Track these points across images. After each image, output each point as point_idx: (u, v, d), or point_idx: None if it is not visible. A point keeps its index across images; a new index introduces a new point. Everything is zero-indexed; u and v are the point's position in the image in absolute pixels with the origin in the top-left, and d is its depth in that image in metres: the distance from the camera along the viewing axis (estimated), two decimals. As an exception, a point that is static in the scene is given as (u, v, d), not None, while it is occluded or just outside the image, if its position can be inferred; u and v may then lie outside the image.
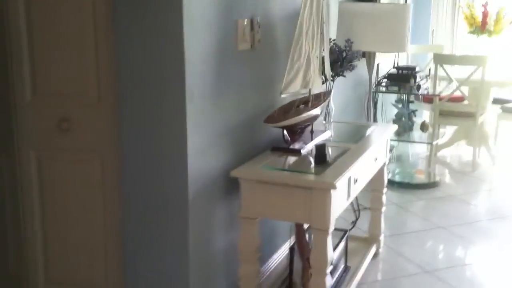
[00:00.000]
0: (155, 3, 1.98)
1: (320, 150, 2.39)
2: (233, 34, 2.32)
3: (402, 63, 5.70)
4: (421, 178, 4.80)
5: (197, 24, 2.04)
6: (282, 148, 2.61)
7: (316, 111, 2.68)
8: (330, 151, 2.64)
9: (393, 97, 4.58)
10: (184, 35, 1.96)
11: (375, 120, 4.66)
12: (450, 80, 4.90)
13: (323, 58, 2.82)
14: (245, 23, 2.40)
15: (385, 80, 4.36)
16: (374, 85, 4.41)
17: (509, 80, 5.13)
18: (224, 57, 2.27)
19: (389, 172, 4.76)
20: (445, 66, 4.80)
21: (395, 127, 3.24)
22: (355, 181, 2.52)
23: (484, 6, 5.39)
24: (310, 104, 2.65)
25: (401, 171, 4.89)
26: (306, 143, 2.70)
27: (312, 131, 2.91)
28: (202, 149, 2.17)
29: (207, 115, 2.19)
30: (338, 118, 3.87)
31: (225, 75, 2.29)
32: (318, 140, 2.82)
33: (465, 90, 5.45)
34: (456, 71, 5.16)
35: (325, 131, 2.98)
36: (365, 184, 2.77)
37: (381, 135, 3.03)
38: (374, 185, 3.25)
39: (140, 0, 2.01)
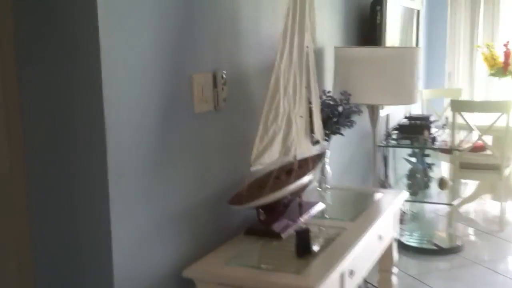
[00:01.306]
0: (65, 53, 1.52)
1: (302, 238, 1.86)
2: (187, 93, 1.84)
3: (416, 110, 5.19)
4: (441, 241, 4.21)
5: (126, 81, 1.56)
6: (259, 231, 2.09)
7: (303, 181, 2.16)
8: (319, 234, 2.11)
9: (406, 150, 4.05)
10: (105, 97, 1.48)
11: (386, 177, 4.12)
12: (470, 129, 4.35)
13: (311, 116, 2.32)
14: (205, 79, 1.92)
15: (396, 132, 3.84)
16: (384, 139, 3.88)
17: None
18: (175, 122, 1.78)
19: (403, 235, 4.18)
20: (464, 113, 4.27)
21: (405, 194, 2.69)
22: (351, 274, 1.98)
23: (506, 45, 4.87)
24: (293, 174, 2.13)
25: (418, 233, 4.30)
26: (293, 221, 2.17)
27: (300, 205, 2.38)
28: (139, 241, 1.65)
29: (148, 196, 1.68)
30: (340, 180, 3.35)
31: (176, 144, 1.80)
32: (308, 216, 2.29)
33: (488, 139, 4.90)
34: (477, 118, 4.62)
35: (317, 203, 2.45)
36: (366, 272, 2.22)
37: (388, 206, 2.49)
38: (382, 264, 2.68)
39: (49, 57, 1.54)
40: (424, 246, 4.11)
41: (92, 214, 1.56)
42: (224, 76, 2.00)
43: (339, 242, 2.02)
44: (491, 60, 4.86)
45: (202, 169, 1.94)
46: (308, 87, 2.20)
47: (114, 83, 1.51)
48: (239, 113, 2.14)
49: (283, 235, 2.05)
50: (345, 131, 2.72)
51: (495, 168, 4.35)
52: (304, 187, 2.25)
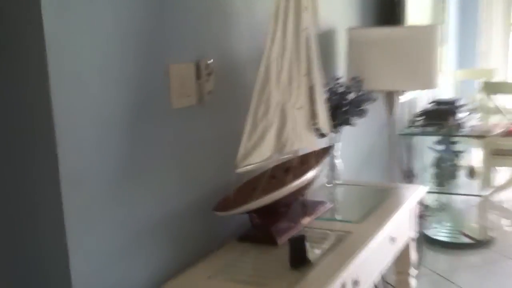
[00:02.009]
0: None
1: (296, 246, 1.64)
2: (164, 86, 1.63)
3: (447, 93, 4.87)
4: (472, 233, 3.92)
5: (83, 75, 1.37)
6: (253, 237, 1.89)
7: (303, 179, 1.94)
8: (321, 240, 1.89)
9: (432, 137, 3.76)
10: (52, 93, 1.28)
11: (410, 167, 3.84)
12: (503, 113, 4.03)
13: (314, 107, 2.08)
14: (186, 69, 1.71)
15: (420, 118, 3.55)
16: (408, 126, 3.60)
17: None
18: (148, 120, 1.58)
19: (430, 228, 3.91)
20: (497, 96, 3.95)
21: (425, 189, 2.44)
22: (355, 284, 1.76)
23: (543, 21, 4.49)
24: (290, 172, 1.91)
25: (446, 226, 4.02)
26: (293, 224, 1.96)
27: (304, 205, 2.16)
28: (106, 256, 1.47)
29: (116, 204, 1.49)
30: (357, 174, 3.11)
31: (151, 144, 1.60)
32: (312, 217, 2.07)
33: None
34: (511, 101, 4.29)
35: (324, 202, 2.22)
36: (376, 279, 2.00)
37: (403, 203, 2.25)
38: (398, 266, 2.45)
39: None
40: (453, 240, 3.83)
41: (45, 227, 1.37)
42: (209, 65, 1.79)
43: (342, 249, 1.80)
44: (526, 38, 4.49)
45: (184, 172, 1.74)
46: (308, 74, 1.96)
47: (66, 77, 1.32)
48: (228, 107, 1.93)
49: (280, 241, 1.84)
50: (359, 120, 2.47)
51: (531, 155, 4.02)
52: (306, 186, 2.02)
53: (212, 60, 1.79)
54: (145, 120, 1.56)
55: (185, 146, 1.73)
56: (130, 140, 1.52)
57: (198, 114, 1.78)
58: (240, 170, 1.68)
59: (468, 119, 3.63)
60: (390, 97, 2.86)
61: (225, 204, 1.73)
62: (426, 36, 2.57)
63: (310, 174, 2.00)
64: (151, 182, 1.61)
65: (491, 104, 3.94)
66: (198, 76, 1.75)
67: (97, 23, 1.40)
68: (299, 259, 1.65)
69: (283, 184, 1.86)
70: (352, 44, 2.66)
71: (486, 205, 4.21)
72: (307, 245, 1.68)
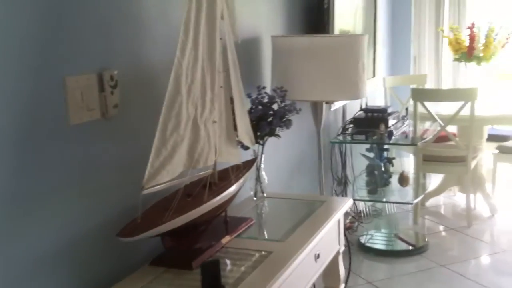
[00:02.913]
0: None
1: (209, 272, 1.52)
2: (59, 101, 1.48)
3: (378, 99, 4.89)
4: (407, 238, 3.93)
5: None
6: (166, 261, 1.76)
7: (221, 196, 1.83)
8: (238, 263, 1.78)
9: (363, 145, 3.74)
10: None
11: (343, 175, 3.81)
12: (433, 119, 4.06)
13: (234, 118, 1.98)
14: (86, 81, 1.56)
15: (351, 126, 3.51)
16: (339, 133, 3.56)
17: (506, 115, 4.28)
18: (39, 140, 1.42)
19: (364, 235, 3.89)
20: (428, 103, 3.97)
21: (350, 202, 2.37)
22: (274, 308, 1.66)
23: (471, 28, 4.56)
24: (207, 190, 1.79)
25: (381, 233, 4.01)
26: (211, 245, 1.84)
27: (226, 222, 2.06)
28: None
29: (3, 240, 1.33)
30: (288, 185, 3.03)
31: (43, 166, 1.44)
32: (233, 235, 1.96)
33: (453, 129, 4.62)
34: (443, 107, 4.33)
35: (246, 219, 2.12)
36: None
37: (331, 216, 2.17)
38: (327, 282, 2.38)
39: None
40: (388, 247, 3.82)
41: None
42: (114, 76, 1.65)
43: (262, 271, 1.69)
44: (455, 45, 4.56)
45: (86, 194, 1.59)
46: (224, 86, 1.85)
47: None
48: (138, 122, 1.79)
49: (195, 264, 1.71)
50: (285, 131, 2.38)
51: (461, 160, 4.07)
52: (226, 202, 1.92)
53: (116, 71, 1.66)
54: (35, 138, 1.41)
55: (87, 165, 1.59)
56: (18, 163, 1.36)
57: (102, 129, 1.63)
58: (147, 191, 1.55)
59: (399, 126, 3.62)
60: (317, 106, 2.79)
61: (132, 227, 1.59)
62: (352, 46, 2.52)
63: (230, 190, 1.90)
64: (47, 208, 1.46)
65: (421, 111, 3.96)
66: (102, 88, 1.61)
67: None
68: (212, 286, 1.53)
69: (199, 202, 1.75)
70: (277, 52, 2.58)
71: (417, 212, 4.24)
72: (224, 269, 1.57)
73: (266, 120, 2.30)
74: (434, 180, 4.69)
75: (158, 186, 1.60)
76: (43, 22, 1.42)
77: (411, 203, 3.88)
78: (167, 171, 1.59)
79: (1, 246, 1.33)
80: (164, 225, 1.58)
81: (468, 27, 4.60)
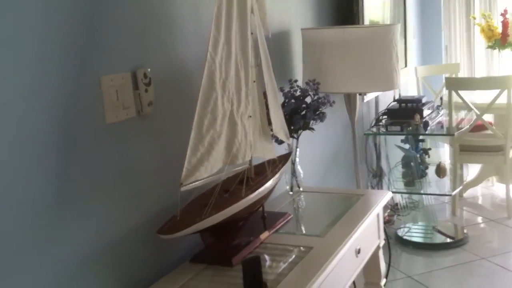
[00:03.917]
0: None
1: (250, 269, 1.51)
2: (96, 100, 1.48)
3: (411, 90, 4.80)
4: (446, 230, 3.84)
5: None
6: (206, 257, 1.75)
7: (259, 192, 1.81)
8: (279, 258, 1.76)
9: (398, 136, 3.67)
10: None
11: (378, 167, 3.75)
12: (468, 108, 3.97)
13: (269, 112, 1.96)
14: (121, 80, 1.56)
15: (385, 117, 3.46)
16: (373, 125, 3.51)
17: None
18: (77, 138, 1.43)
19: (402, 227, 3.82)
20: (463, 92, 3.88)
21: (389, 195, 2.33)
22: (317, 304, 1.63)
23: (504, 14, 4.44)
24: (244, 186, 1.77)
25: (418, 226, 3.94)
26: (250, 241, 1.83)
27: (264, 218, 2.04)
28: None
29: (44, 242, 1.34)
30: (323, 179, 3.00)
31: (82, 166, 1.45)
32: (272, 231, 1.94)
33: (490, 118, 4.51)
34: (478, 95, 4.23)
35: (284, 214, 2.10)
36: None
37: (369, 211, 2.13)
38: (368, 277, 2.34)
39: None
40: (426, 240, 3.75)
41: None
42: (148, 74, 1.64)
43: (303, 267, 1.67)
44: (488, 32, 4.45)
45: (125, 193, 1.59)
46: (257, 80, 1.83)
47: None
48: (173, 119, 1.79)
49: (235, 261, 1.70)
50: (319, 124, 2.35)
51: (499, 150, 3.97)
52: (263, 198, 1.90)
53: (150, 69, 1.65)
54: (73, 139, 1.41)
55: (124, 164, 1.59)
56: (56, 164, 1.37)
57: (138, 127, 1.63)
58: (185, 187, 1.54)
59: (434, 116, 3.55)
60: (351, 98, 2.75)
61: (171, 225, 1.58)
62: (385, 36, 2.47)
63: (266, 185, 1.88)
64: (86, 209, 1.46)
65: (456, 100, 3.87)
66: (136, 86, 1.61)
67: (15, 31, 1.25)
68: (254, 283, 1.51)
69: (237, 198, 1.73)
70: (307, 45, 2.55)
71: (456, 203, 4.16)
72: (264, 265, 1.55)
73: (300, 114, 2.27)
74: (471, 170, 4.59)
75: (196, 183, 1.58)
76: (77, 24, 1.42)
77: (449, 195, 3.80)
78: (205, 167, 1.58)
79: (43, 249, 1.34)
80: (203, 222, 1.57)
81: (501, 14, 4.48)
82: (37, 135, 1.31)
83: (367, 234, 2.09)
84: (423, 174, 3.66)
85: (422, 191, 3.68)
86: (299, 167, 2.37)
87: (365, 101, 3.54)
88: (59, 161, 1.37)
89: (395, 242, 3.69)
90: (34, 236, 1.31)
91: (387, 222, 3.83)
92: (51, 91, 1.35)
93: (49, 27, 1.34)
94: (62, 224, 1.39)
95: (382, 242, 2.30)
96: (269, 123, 1.97)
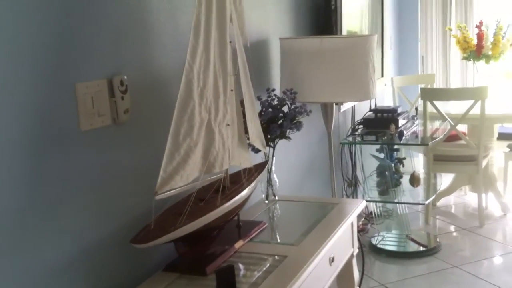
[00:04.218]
0: None
1: (224, 278, 1.51)
2: (70, 108, 1.47)
3: (386, 100, 4.86)
4: (419, 239, 3.89)
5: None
6: (180, 266, 1.74)
7: (234, 200, 1.82)
8: (253, 267, 1.76)
9: (373, 145, 3.71)
10: None
11: (353, 176, 3.79)
12: (443, 119, 4.03)
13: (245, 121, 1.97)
14: (97, 87, 1.55)
15: (361, 126, 3.49)
16: (349, 134, 3.54)
17: (516, 113, 4.24)
18: (51, 145, 1.41)
19: (376, 236, 3.86)
20: (437, 102, 3.94)
21: (363, 203, 2.35)
22: (290, 313, 1.64)
23: (479, 26, 4.53)
24: (220, 195, 1.78)
25: (392, 234, 3.98)
26: (224, 250, 1.83)
27: (239, 226, 2.04)
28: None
29: (15, 249, 1.32)
30: (299, 188, 3.02)
31: (55, 174, 1.43)
32: (246, 240, 1.94)
33: (464, 128, 4.59)
34: (452, 106, 4.31)
35: (259, 223, 2.10)
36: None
37: (344, 219, 2.15)
38: (342, 285, 2.36)
39: None
40: (400, 248, 3.79)
41: None
42: (124, 82, 1.64)
43: (276, 277, 1.67)
44: (463, 43, 4.53)
45: (100, 201, 1.58)
46: (235, 89, 1.84)
47: None
48: (149, 126, 1.78)
49: (209, 270, 1.70)
50: (296, 133, 2.37)
51: (472, 159, 4.04)
52: (238, 206, 1.90)
53: (126, 77, 1.65)
54: (47, 146, 1.40)
55: (99, 171, 1.58)
56: (28, 170, 1.35)
57: (113, 135, 1.63)
58: (160, 196, 1.53)
59: (409, 126, 3.60)
60: (327, 107, 2.77)
61: (145, 234, 1.58)
62: (362, 46, 2.50)
63: (242, 194, 1.89)
64: (60, 216, 1.45)
65: (431, 110, 3.93)
66: (112, 94, 1.60)
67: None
68: (227, 291, 1.51)
69: (212, 207, 1.73)
70: (285, 54, 2.56)
71: (429, 212, 4.21)
72: (238, 274, 1.55)
73: (277, 123, 2.29)
74: (445, 179, 4.66)
75: (171, 192, 1.58)
76: (52, 29, 1.41)
77: (423, 204, 3.85)
78: (181, 176, 1.58)
79: (15, 255, 1.32)
80: (177, 231, 1.57)
81: (476, 26, 4.57)
82: (8, 140, 1.30)
83: (341, 242, 2.11)
84: (397, 183, 3.70)
85: (396, 200, 3.72)
86: (275, 176, 2.38)
87: (341, 110, 3.58)
88: (31, 168, 1.36)
89: (369, 251, 3.73)
90: (4, 242, 1.29)
91: (361, 230, 3.86)
92: (23, 96, 1.33)
93: (22, 30, 1.32)
94: (34, 230, 1.37)
95: (356, 251, 2.32)
96: (246, 131, 1.97)
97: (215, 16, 1.70)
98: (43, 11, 1.38)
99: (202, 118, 1.67)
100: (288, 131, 2.30)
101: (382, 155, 3.63)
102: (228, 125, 1.81)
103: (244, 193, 1.89)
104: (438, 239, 3.87)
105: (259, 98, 2.27)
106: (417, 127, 3.75)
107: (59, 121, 1.43)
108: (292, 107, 2.30)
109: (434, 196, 4.20)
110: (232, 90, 1.82)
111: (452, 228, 4.19)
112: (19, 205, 1.33)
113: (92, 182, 1.55)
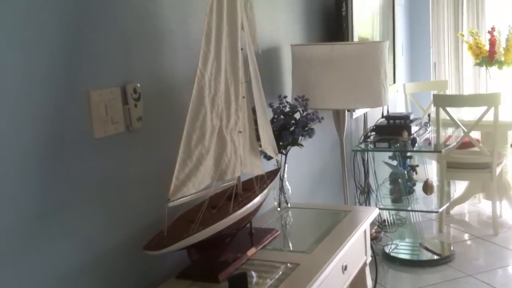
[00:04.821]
0: None
1: (237, 285, 1.50)
2: (84, 115, 1.48)
3: (400, 107, 4.84)
4: (433, 247, 3.85)
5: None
6: (193, 274, 1.74)
7: (246, 208, 1.81)
8: (266, 275, 1.75)
9: (386, 152, 3.69)
10: None
11: (366, 183, 3.77)
12: (456, 125, 4.00)
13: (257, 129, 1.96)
14: (110, 95, 1.56)
15: (373, 133, 3.47)
16: (361, 141, 3.53)
17: (530, 120, 4.20)
18: (64, 152, 1.42)
19: (389, 244, 3.83)
20: (450, 109, 3.91)
21: (376, 211, 2.33)
22: (304, 322, 1.63)
23: (491, 32, 4.50)
24: (232, 202, 1.77)
25: (405, 243, 3.95)
26: (237, 258, 1.82)
27: (251, 234, 2.03)
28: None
29: (27, 255, 1.32)
30: (311, 195, 3.00)
31: (69, 181, 1.44)
32: (259, 247, 1.93)
33: (477, 135, 4.55)
34: (465, 113, 4.28)
35: (271, 230, 2.09)
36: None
37: (357, 227, 2.13)
38: (354, 293, 2.33)
39: None
40: (413, 257, 3.75)
41: None
42: (137, 90, 1.64)
43: (288, 285, 1.66)
44: (475, 49, 4.50)
45: (112, 208, 1.58)
46: (246, 96, 1.84)
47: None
48: (162, 134, 1.78)
49: (221, 277, 1.69)
50: (308, 140, 2.36)
51: (486, 167, 4.00)
52: (251, 214, 1.89)
53: (139, 84, 1.65)
54: (61, 153, 1.41)
55: (112, 178, 1.58)
56: (40, 177, 1.36)
57: (127, 142, 1.63)
58: (173, 203, 1.53)
59: (422, 133, 3.58)
60: (339, 114, 2.76)
61: (158, 241, 1.57)
62: (374, 53, 2.49)
63: (254, 201, 1.88)
64: (71, 223, 1.45)
65: (443, 117, 3.90)
66: (125, 101, 1.61)
67: (1, 43, 1.25)
68: (240, 299, 1.51)
69: (224, 214, 1.73)
70: (297, 61, 2.56)
71: (442, 221, 4.17)
72: (251, 282, 1.54)
73: (289, 130, 2.28)
74: (458, 187, 4.62)
75: (184, 199, 1.58)
76: (66, 38, 1.42)
77: (436, 212, 3.82)
78: (193, 183, 1.58)
79: (25, 262, 1.32)
80: (190, 238, 1.57)
81: (488, 31, 4.54)
82: (21, 147, 1.30)
83: (354, 250, 2.09)
84: (410, 191, 3.67)
85: (409, 208, 3.69)
86: (287, 183, 2.37)
87: (353, 117, 3.56)
88: (44, 174, 1.36)
89: (382, 259, 3.70)
90: (15, 249, 1.29)
91: (374, 238, 3.83)
92: (37, 103, 1.34)
93: (37, 39, 1.33)
94: (45, 237, 1.37)
95: (369, 259, 2.30)
96: (258, 138, 1.97)
97: (226, 23, 1.70)
98: (56, 19, 1.39)
99: (213, 125, 1.66)
100: (300, 138, 2.29)
101: (395, 163, 3.61)
102: (240, 132, 1.81)
103: (257, 200, 1.88)
104: (452, 248, 3.83)
105: (271, 105, 2.26)
106: (430, 134, 3.73)
107: (73, 128, 1.44)
108: (304, 114, 2.29)
109: (447, 204, 4.17)
110: (244, 97, 1.82)
111: (466, 236, 4.14)
112: (31, 211, 1.33)
113: (105, 189, 1.55)
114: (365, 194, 3.78)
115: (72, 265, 1.45)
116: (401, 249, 3.82)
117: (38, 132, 1.34)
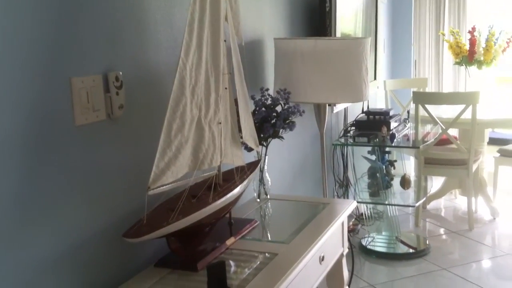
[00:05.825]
0: None
1: (215, 274, 1.52)
2: (65, 101, 1.48)
3: (379, 102, 4.89)
4: (409, 241, 3.92)
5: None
6: (171, 262, 1.75)
7: (226, 198, 1.83)
8: (244, 264, 1.78)
9: (365, 147, 3.73)
10: None
11: (345, 177, 3.81)
12: (434, 122, 4.06)
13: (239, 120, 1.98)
14: (92, 82, 1.56)
15: (353, 128, 3.52)
16: (341, 135, 3.57)
17: (507, 119, 4.29)
18: (44, 139, 1.42)
19: (366, 237, 3.88)
20: (429, 106, 3.97)
21: (354, 204, 2.37)
22: (280, 310, 1.66)
23: (471, 32, 4.57)
24: (212, 192, 1.79)
25: (382, 236, 4.00)
26: (215, 247, 1.84)
27: (230, 224, 2.05)
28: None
29: (6, 244, 1.33)
30: (291, 187, 3.03)
31: (48, 168, 1.44)
32: (238, 237, 1.96)
33: (455, 133, 4.62)
34: (444, 110, 4.34)
35: (251, 220, 2.12)
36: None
37: (334, 219, 2.17)
38: (331, 284, 2.37)
39: None
40: (390, 250, 3.81)
41: None
42: (119, 78, 1.65)
43: (266, 274, 1.69)
44: (456, 48, 4.57)
45: (93, 196, 1.59)
46: (229, 88, 1.85)
47: None
48: (143, 122, 1.79)
49: (200, 266, 1.71)
50: (289, 133, 2.39)
51: (463, 163, 4.07)
52: (230, 204, 1.92)
53: (122, 72, 1.66)
54: (41, 140, 1.41)
55: (92, 166, 1.59)
56: (23, 165, 1.36)
57: (108, 130, 1.64)
58: (153, 191, 1.54)
59: (401, 129, 3.63)
60: (320, 108, 2.79)
61: (137, 229, 1.59)
62: (356, 49, 2.52)
63: (234, 192, 1.90)
64: (52, 211, 1.45)
65: (422, 114, 3.96)
66: (106, 89, 1.61)
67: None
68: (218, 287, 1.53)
69: (204, 203, 1.74)
70: (279, 55, 2.58)
71: (419, 215, 4.24)
72: (229, 270, 1.56)
73: (270, 122, 2.30)
74: (435, 183, 4.69)
75: (164, 187, 1.60)
76: (48, 24, 1.42)
77: (413, 206, 3.88)
78: (172, 172, 1.59)
79: (6, 250, 1.33)
80: (169, 227, 1.58)
81: (469, 31, 4.61)
82: (1, 133, 1.30)
83: (331, 242, 2.13)
84: (388, 185, 3.72)
85: (386, 202, 3.75)
86: (267, 175, 2.40)
87: (334, 112, 3.60)
88: (22, 161, 1.36)
89: (358, 251, 3.75)
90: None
91: (352, 231, 3.89)
92: (17, 89, 1.34)
93: (18, 25, 1.33)
94: (23, 225, 1.38)
95: (346, 251, 2.34)
96: (239, 130, 1.99)
97: (208, 14, 1.72)
98: (38, 6, 1.39)
99: (193, 115, 1.68)
100: (281, 130, 2.32)
101: (373, 157, 3.65)
102: (220, 123, 1.82)
103: (236, 191, 1.91)
104: (427, 242, 3.90)
105: (253, 97, 2.28)
106: (408, 130, 3.79)
107: (53, 114, 1.44)
108: (286, 107, 2.32)
109: (424, 199, 4.24)
110: (226, 88, 1.84)
111: (441, 231, 4.22)
112: (8, 198, 1.33)
113: (85, 176, 1.56)
114: (344, 187, 3.83)
115: (51, 253, 1.46)
116: (378, 242, 3.88)
117: (17, 118, 1.34)
